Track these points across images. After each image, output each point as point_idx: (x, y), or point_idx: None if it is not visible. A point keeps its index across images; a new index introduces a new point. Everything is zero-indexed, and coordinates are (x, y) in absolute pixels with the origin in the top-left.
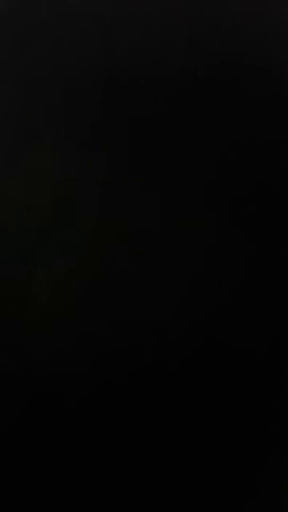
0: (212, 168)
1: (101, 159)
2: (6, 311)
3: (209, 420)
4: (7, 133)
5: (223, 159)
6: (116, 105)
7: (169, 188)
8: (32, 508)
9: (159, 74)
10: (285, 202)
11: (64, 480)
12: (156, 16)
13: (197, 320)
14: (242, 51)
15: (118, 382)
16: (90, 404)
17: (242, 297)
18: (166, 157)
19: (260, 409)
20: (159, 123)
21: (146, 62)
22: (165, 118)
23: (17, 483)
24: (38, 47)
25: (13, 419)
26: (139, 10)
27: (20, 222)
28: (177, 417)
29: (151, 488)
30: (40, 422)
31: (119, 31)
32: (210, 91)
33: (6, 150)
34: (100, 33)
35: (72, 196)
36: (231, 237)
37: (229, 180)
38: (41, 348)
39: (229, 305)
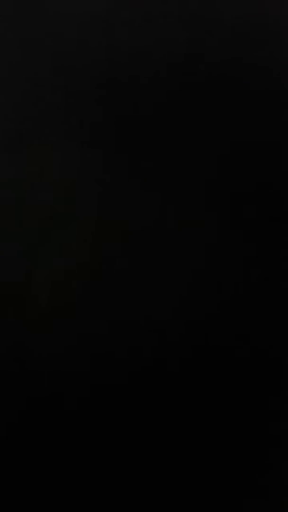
0: (212, 168)
1: (101, 159)
2: (6, 311)
3: (209, 420)
4: (7, 133)
5: (223, 159)
6: (116, 105)
7: (169, 188)
8: (32, 508)
9: (159, 74)
10: (285, 202)
11: (64, 480)
12: (156, 15)
13: (197, 320)
14: (242, 51)
15: (118, 382)
16: (90, 404)
17: (242, 297)
18: (166, 157)
19: (260, 408)
20: (159, 123)
21: (146, 62)
22: (165, 118)
23: (17, 483)
24: (38, 47)
25: (13, 418)
26: (139, 9)
27: (20, 222)
28: (177, 417)
29: (152, 488)
30: (40, 422)
31: (119, 31)
32: (210, 92)
33: (6, 150)
34: (100, 33)
35: (72, 196)
36: (231, 237)
37: (229, 180)
38: (41, 348)
39: (229, 305)
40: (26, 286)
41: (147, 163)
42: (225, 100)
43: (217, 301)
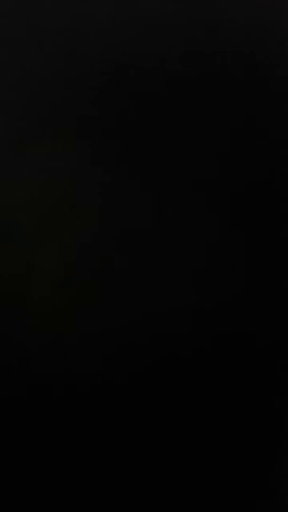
0: (212, 168)
1: (101, 159)
2: (6, 311)
3: (209, 420)
4: (7, 133)
5: (223, 159)
6: (116, 105)
7: (169, 188)
8: (32, 508)
9: (159, 74)
10: (285, 202)
11: (64, 480)
12: (156, 14)
13: (197, 320)
14: (242, 50)
15: (118, 382)
16: (90, 404)
17: (242, 298)
18: (167, 157)
19: (260, 408)
20: (159, 123)
21: (145, 62)
22: (165, 118)
23: (18, 483)
24: (38, 47)
25: (13, 418)
26: (139, 9)
27: (20, 223)
28: (178, 417)
29: (153, 488)
30: (40, 422)
31: (119, 31)
32: (210, 91)
33: (6, 149)
34: (100, 33)
35: (72, 195)
36: (231, 237)
37: (229, 180)
38: (41, 348)
39: (228, 305)
40: (26, 286)
41: (147, 163)
42: (225, 100)
43: (217, 301)
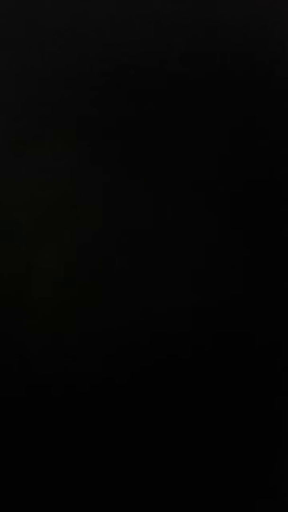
0: (212, 168)
1: (101, 159)
2: (6, 311)
3: (209, 420)
4: (7, 133)
5: (223, 159)
6: (116, 105)
7: (169, 188)
8: (32, 508)
9: (159, 74)
10: (285, 202)
11: (64, 480)
12: (156, 14)
13: (197, 320)
14: (242, 50)
15: (118, 382)
16: (90, 404)
17: (242, 297)
18: (167, 157)
19: (260, 408)
20: (159, 123)
21: (145, 62)
22: (165, 118)
23: (18, 483)
24: (38, 47)
25: (13, 418)
26: (139, 9)
27: (20, 223)
28: (178, 417)
29: (153, 487)
30: (40, 422)
31: (119, 31)
32: (210, 92)
33: (6, 149)
34: (100, 33)
35: (72, 195)
36: (231, 237)
37: (229, 180)
38: (41, 348)
39: (229, 305)
40: (27, 287)
41: (147, 163)
42: (225, 100)
43: (217, 301)
